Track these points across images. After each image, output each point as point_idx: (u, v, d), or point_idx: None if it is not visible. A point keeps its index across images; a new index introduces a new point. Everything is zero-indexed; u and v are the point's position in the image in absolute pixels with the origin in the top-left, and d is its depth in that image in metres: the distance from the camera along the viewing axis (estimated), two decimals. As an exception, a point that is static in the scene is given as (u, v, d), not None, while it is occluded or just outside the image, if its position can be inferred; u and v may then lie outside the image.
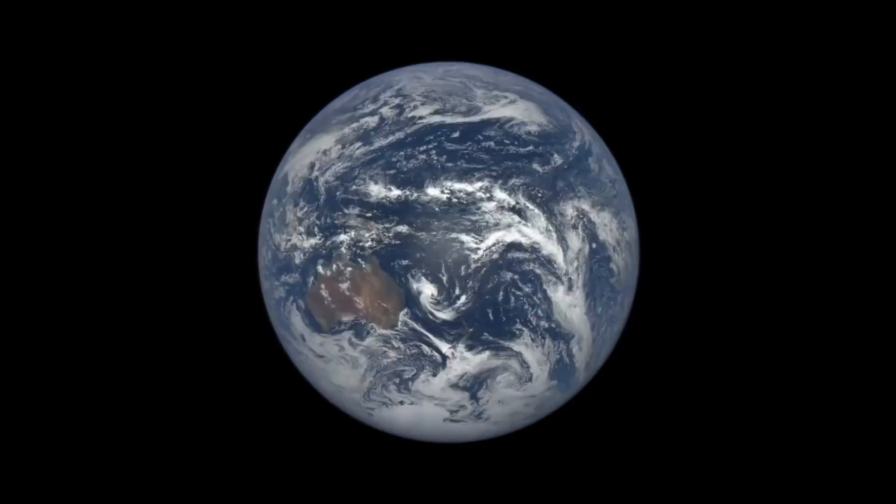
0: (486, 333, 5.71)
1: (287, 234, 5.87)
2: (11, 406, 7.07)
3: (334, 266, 5.63)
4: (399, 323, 5.66)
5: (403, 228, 5.52)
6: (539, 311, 5.75)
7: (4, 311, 7.14)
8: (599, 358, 6.24)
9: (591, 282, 5.94)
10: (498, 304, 5.64)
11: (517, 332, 5.72)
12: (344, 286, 5.66)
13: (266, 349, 6.79)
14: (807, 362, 7.20)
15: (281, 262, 5.93)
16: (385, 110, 5.91)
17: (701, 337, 7.37)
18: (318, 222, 5.73)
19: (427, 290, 5.54)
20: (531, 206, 5.64)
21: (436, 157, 5.63)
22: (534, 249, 5.66)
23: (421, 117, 5.79)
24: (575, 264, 5.80)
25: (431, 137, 5.72)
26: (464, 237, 5.51)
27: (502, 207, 5.59)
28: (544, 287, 5.72)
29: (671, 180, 7.49)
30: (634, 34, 7.49)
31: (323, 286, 5.67)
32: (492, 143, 5.72)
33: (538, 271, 5.70)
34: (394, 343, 5.72)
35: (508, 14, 7.50)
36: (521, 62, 6.56)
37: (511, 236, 5.61)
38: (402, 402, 5.94)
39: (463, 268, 5.54)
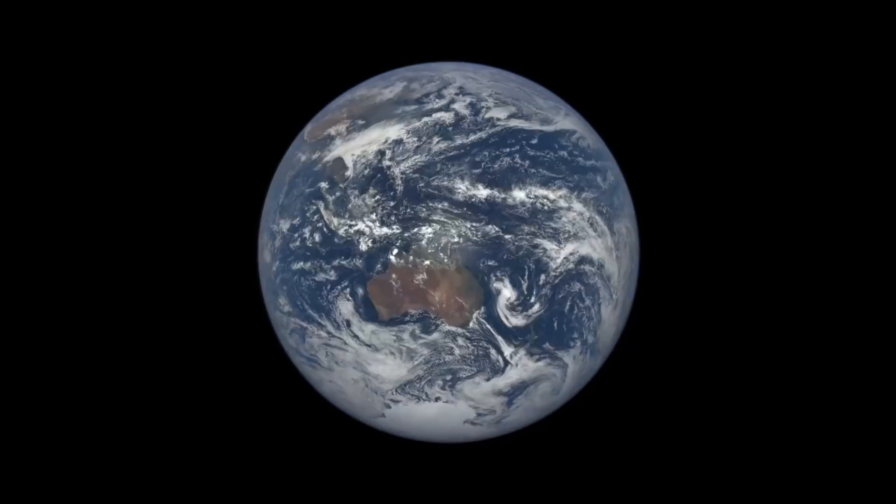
0: (547, 343, 5.69)
1: (350, 219, 5.60)
2: (12, 406, 6.99)
3: (412, 257, 5.40)
4: (472, 322, 5.50)
5: (492, 229, 5.42)
6: (591, 326, 5.86)
7: (4, 311, 7.06)
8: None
9: (625, 304, 6.16)
10: (563, 315, 5.70)
11: (571, 343, 5.79)
12: (420, 278, 5.45)
13: (266, 349, 6.73)
14: (807, 362, 7.20)
15: (337, 246, 5.64)
16: (459, 107, 5.78)
17: (701, 337, 7.35)
18: (395, 212, 5.52)
19: (506, 293, 5.50)
20: (599, 221, 5.77)
21: (519, 161, 5.60)
22: (600, 265, 5.77)
23: (499, 119, 5.74)
24: (622, 283, 6.00)
25: (513, 141, 5.69)
26: (546, 244, 5.53)
27: (580, 218, 5.68)
28: (599, 303, 5.85)
29: (671, 180, 7.49)
30: (634, 34, 7.52)
31: (395, 276, 5.45)
32: (565, 154, 5.80)
33: (599, 286, 5.82)
34: (460, 341, 5.58)
35: (508, 14, 7.54)
36: (522, 62, 6.62)
37: (584, 248, 5.72)
38: (437, 399, 5.82)
39: (542, 275, 5.53)
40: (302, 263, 5.77)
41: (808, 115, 7.29)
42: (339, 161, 5.76)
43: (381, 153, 5.68)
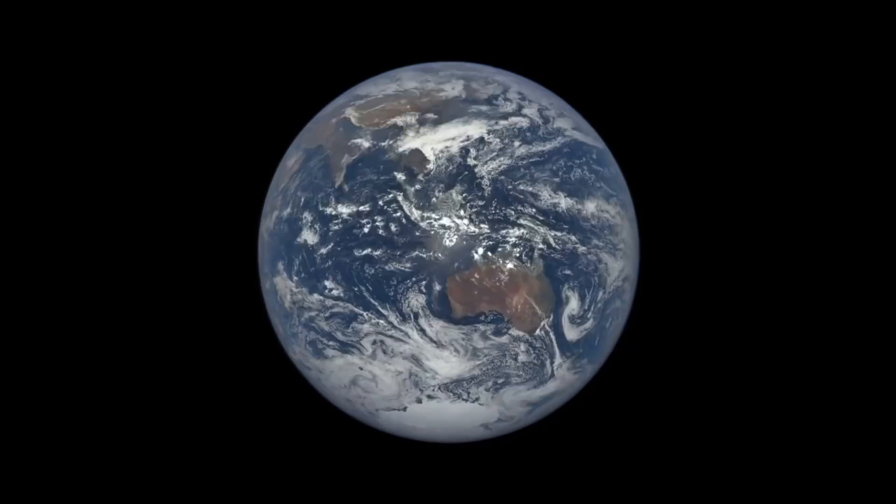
0: (586, 359, 6.02)
1: (434, 212, 5.52)
2: (12, 406, 6.96)
3: (497, 258, 5.51)
4: (538, 330, 5.68)
5: (573, 238, 5.65)
6: (613, 341, 6.25)
7: (4, 311, 7.02)
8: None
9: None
10: (605, 331, 6.04)
11: (599, 358, 6.14)
12: (501, 280, 5.54)
13: (266, 349, 6.69)
14: (807, 362, 7.19)
15: (417, 238, 5.53)
16: (530, 114, 5.93)
17: (701, 337, 7.35)
18: (485, 212, 5.54)
19: (573, 305, 5.74)
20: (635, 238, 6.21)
21: (588, 174, 5.89)
22: (631, 282, 6.19)
23: (566, 129, 5.96)
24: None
25: (581, 153, 5.93)
26: (607, 259, 5.86)
27: (629, 236, 6.07)
28: (620, 318, 6.26)
29: (671, 180, 7.47)
30: (634, 34, 7.51)
31: (477, 275, 5.50)
32: (607, 171, 6.15)
33: (626, 304, 6.22)
34: (523, 347, 5.72)
35: (508, 14, 7.51)
36: (522, 62, 6.65)
37: (629, 267, 6.09)
38: (475, 400, 5.86)
39: (601, 291, 5.85)
40: (370, 250, 5.56)
41: (808, 115, 7.35)
42: (418, 153, 5.63)
43: (466, 150, 5.61)
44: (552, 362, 5.80)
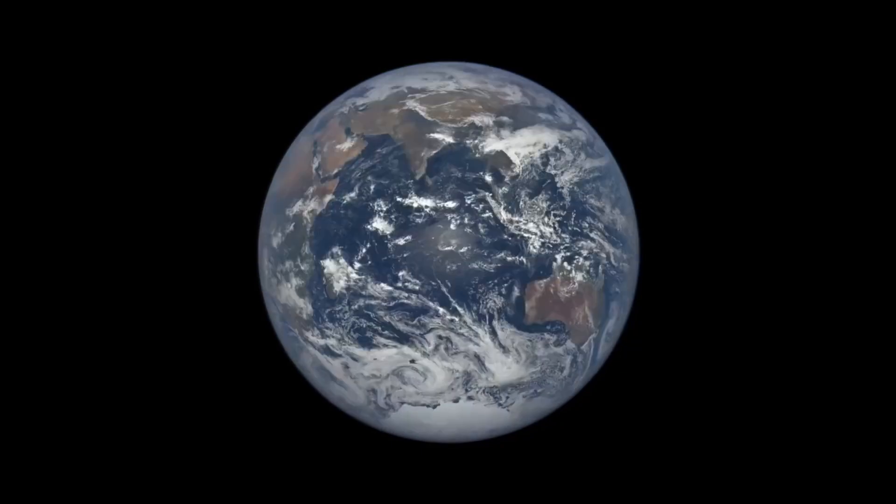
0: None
1: (521, 217, 5.63)
2: (12, 406, 6.95)
3: (572, 270, 5.83)
4: (586, 343, 6.04)
5: (625, 256, 6.11)
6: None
7: (4, 311, 7.02)
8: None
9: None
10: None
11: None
12: (572, 291, 5.82)
13: (266, 349, 6.69)
14: (807, 362, 7.19)
15: (504, 241, 5.58)
16: (584, 127, 6.26)
17: (701, 337, 7.33)
18: (566, 222, 5.72)
19: (612, 322, 6.19)
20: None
21: (623, 194, 6.35)
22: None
23: (603, 148, 6.35)
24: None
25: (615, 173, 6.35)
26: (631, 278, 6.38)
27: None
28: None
29: (671, 180, 7.46)
30: (634, 34, 7.53)
31: (553, 284, 5.76)
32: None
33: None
34: (569, 360, 5.97)
35: (508, 14, 7.59)
36: (522, 62, 6.69)
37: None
38: (508, 407, 5.97)
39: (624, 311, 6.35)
40: (455, 247, 5.54)
41: (808, 115, 7.38)
42: (504, 156, 5.69)
43: (546, 158, 5.78)
44: (578, 378, 6.02)
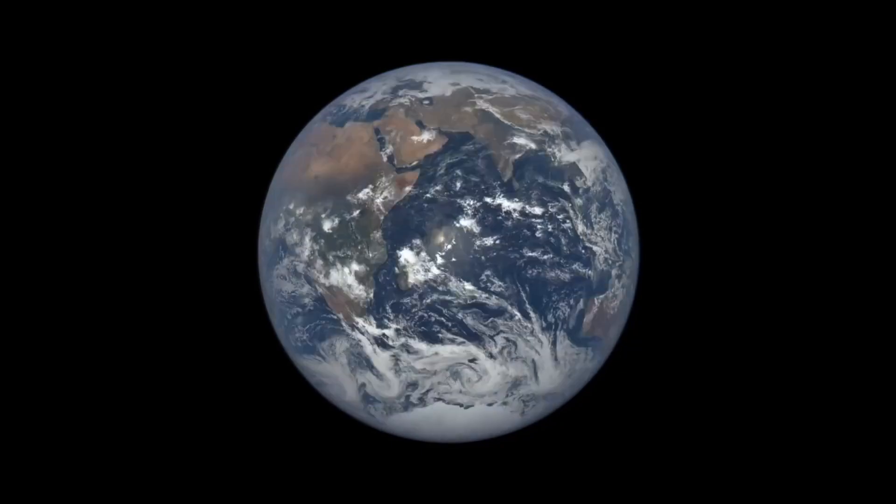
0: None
1: (592, 230, 5.86)
2: (12, 406, 6.96)
3: (618, 288, 6.15)
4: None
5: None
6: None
7: (4, 311, 7.04)
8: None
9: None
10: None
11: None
12: (614, 308, 6.15)
13: (266, 349, 6.72)
14: (807, 362, 7.16)
15: (579, 253, 5.79)
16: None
17: (701, 336, 7.30)
18: (621, 241, 6.07)
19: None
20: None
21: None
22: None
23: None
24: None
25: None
26: None
27: None
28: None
29: (671, 180, 7.45)
30: (634, 34, 7.52)
31: (605, 301, 6.05)
32: None
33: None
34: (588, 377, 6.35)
35: (508, 14, 7.60)
36: (522, 62, 6.73)
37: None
38: (525, 413, 6.14)
39: None
40: (539, 253, 5.67)
41: (808, 115, 7.37)
42: (576, 168, 5.93)
43: (605, 174, 6.10)
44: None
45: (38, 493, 6.80)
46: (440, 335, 5.61)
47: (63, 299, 7.18)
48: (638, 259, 6.41)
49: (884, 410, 6.93)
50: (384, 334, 5.64)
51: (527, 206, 5.61)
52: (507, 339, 5.67)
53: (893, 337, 7.02)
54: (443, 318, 5.57)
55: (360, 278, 5.55)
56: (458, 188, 5.56)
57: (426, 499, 6.96)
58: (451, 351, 5.66)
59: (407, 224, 5.54)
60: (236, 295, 7.12)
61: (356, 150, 5.78)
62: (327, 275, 5.65)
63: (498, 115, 5.86)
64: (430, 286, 5.51)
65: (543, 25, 7.58)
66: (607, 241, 5.88)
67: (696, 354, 7.26)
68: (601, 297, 5.88)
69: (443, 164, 5.62)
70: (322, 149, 5.95)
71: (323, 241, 5.64)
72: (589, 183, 5.87)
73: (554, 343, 5.76)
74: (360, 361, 5.77)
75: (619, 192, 6.15)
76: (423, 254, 5.48)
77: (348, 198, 5.61)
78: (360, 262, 5.55)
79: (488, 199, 5.56)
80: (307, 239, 5.71)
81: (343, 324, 5.72)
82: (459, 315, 5.57)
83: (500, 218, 5.57)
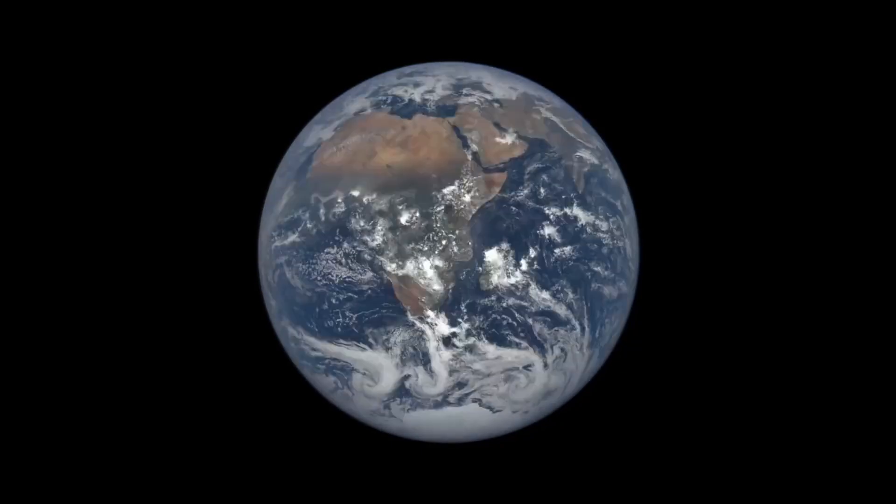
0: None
1: (630, 250, 6.22)
2: (12, 406, 6.97)
3: None
4: None
5: None
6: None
7: (4, 311, 7.05)
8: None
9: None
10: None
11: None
12: None
13: (266, 349, 6.74)
14: (806, 362, 7.14)
15: (625, 272, 6.12)
16: None
17: (701, 337, 7.25)
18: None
19: None
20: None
21: None
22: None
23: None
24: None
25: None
26: None
27: None
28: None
29: (671, 180, 7.38)
30: (634, 34, 7.47)
31: None
32: None
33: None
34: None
35: (508, 14, 7.57)
36: (522, 62, 6.73)
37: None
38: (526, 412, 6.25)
39: None
40: (601, 268, 5.91)
41: (808, 112, 7.35)
42: (621, 186, 6.33)
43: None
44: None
45: (39, 493, 6.82)
46: (508, 339, 5.65)
47: (63, 299, 7.18)
48: (638, 259, 6.54)
49: (884, 410, 6.99)
50: (454, 332, 5.58)
51: (596, 220, 5.81)
52: (562, 350, 5.82)
53: (893, 337, 7.08)
54: (514, 323, 5.61)
55: (440, 273, 5.49)
56: (542, 195, 5.64)
57: (426, 499, 6.91)
58: (515, 355, 5.72)
59: (495, 225, 5.53)
60: (236, 295, 7.11)
61: (435, 144, 5.69)
62: (402, 265, 5.53)
63: (562, 126, 6.01)
64: (510, 290, 5.55)
65: (538, 21, 7.62)
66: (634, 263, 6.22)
67: (696, 354, 7.29)
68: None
69: (529, 170, 5.67)
70: (391, 138, 5.77)
71: (399, 231, 5.51)
72: (627, 203, 6.18)
73: (590, 359, 6.00)
74: (417, 355, 5.67)
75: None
76: (509, 257, 5.51)
77: (432, 192, 5.53)
78: (442, 258, 5.49)
79: (567, 210, 5.68)
80: (379, 227, 5.55)
81: (409, 315, 5.59)
82: (530, 321, 5.64)
83: (576, 229, 5.72)
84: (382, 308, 5.64)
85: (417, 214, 5.51)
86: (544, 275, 5.62)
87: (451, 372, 5.71)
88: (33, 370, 7.00)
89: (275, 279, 6.02)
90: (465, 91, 5.99)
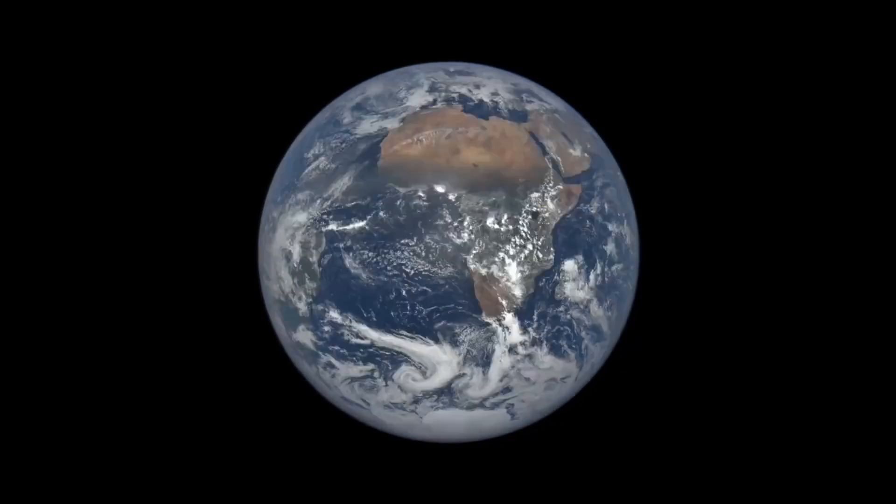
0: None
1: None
2: (12, 406, 7.00)
3: None
4: None
5: None
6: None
7: (4, 311, 7.09)
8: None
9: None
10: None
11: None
12: None
13: (266, 349, 6.72)
14: (806, 362, 7.08)
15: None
16: None
17: (701, 337, 7.20)
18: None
19: None
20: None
21: None
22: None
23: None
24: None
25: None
26: None
27: None
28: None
29: (671, 182, 7.31)
30: (635, 34, 7.40)
31: None
32: None
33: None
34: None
35: (508, 14, 7.52)
36: (522, 62, 6.66)
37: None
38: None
39: None
40: (628, 284, 6.18)
41: (807, 110, 7.32)
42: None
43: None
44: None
45: (39, 493, 6.77)
46: (563, 350, 5.75)
47: (65, 304, 7.15)
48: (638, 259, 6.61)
49: (884, 410, 7.00)
50: (523, 342, 5.65)
51: (629, 237, 6.08)
52: (592, 365, 6.03)
53: (893, 337, 7.10)
54: (572, 334, 5.75)
55: (524, 278, 5.58)
56: (606, 211, 5.87)
57: (426, 499, 6.78)
58: (562, 367, 5.82)
59: (575, 237, 5.68)
60: (236, 295, 7.08)
61: (518, 148, 5.70)
62: (487, 265, 5.55)
63: (602, 142, 6.23)
64: (575, 302, 5.74)
65: (538, 21, 7.60)
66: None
67: (696, 354, 7.31)
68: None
69: (598, 185, 5.87)
70: (473, 137, 5.74)
71: (488, 233, 5.54)
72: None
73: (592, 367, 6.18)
74: (481, 356, 5.64)
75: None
76: (583, 270, 5.73)
77: (519, 197, 5.61)
78: (527, 263, 5.57)
79: (620, 228, 5.94)
80: (467, 224, 5.54)
81: (485, 315, 5.58)
82: (583, 334, 5.80)
83: (625, 247, 5.97)
84: (457, 304, 5.49)
85: (506, 217, 5.43)
86: (602, 290, 5.74)
87: (503, 377, 5.66)
88: (33, 371, 7.02)
89: (323, 262, 5.62)
90: (524, 96, 5.96)
